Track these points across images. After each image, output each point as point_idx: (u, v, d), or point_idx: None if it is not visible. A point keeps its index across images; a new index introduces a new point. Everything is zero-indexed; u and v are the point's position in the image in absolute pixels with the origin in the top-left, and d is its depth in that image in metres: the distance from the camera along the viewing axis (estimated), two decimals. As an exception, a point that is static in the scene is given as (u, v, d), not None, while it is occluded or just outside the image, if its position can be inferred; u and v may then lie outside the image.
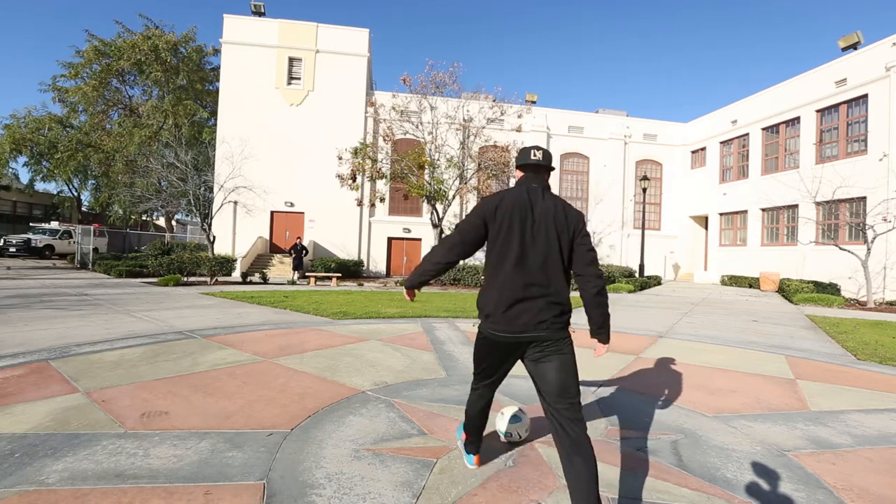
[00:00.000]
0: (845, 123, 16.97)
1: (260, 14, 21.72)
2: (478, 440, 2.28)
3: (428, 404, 3.22)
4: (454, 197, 17.41)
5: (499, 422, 2.61)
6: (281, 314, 7.45)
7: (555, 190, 23.35)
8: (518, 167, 2.10)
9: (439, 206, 17.41)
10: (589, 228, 20.21)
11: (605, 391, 3.68)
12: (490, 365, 2.00)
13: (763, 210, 20.37)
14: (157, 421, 2.72)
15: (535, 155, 2.04)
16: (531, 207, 1.92)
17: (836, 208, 16.12)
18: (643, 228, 20.54)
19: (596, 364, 4.63)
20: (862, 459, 2.56)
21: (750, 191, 20.90)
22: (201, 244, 21.40)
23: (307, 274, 16.39)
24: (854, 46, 17.64)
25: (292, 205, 20.99)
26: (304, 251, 16.96)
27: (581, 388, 3.84)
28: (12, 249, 21.29)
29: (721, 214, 23.27)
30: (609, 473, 2.25)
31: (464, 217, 2.11)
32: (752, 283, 19.54)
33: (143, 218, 35.54)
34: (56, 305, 7.45)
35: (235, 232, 20.37)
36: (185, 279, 13.64)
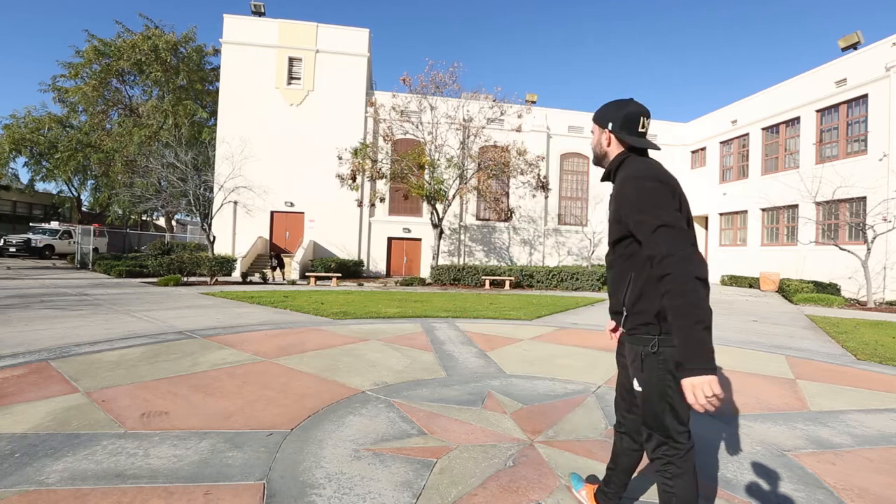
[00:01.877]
0: (845, 123, 16.97)
1: (260, 14, 21.72)
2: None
3: (428, 404, 3.22)
4: (454, 197, 17.42)
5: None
6: (281, 314, 7.45)
7: (555, 190, 23.64)
8: (627, 139, 1.53)
9: (439, 206, 17.42)
10: (588, 228, 20.12)
11: (606, 391, 3.68)
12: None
13: (763, 210, 20.36)
14: (157, 421, 2.72)
15: (644, 126, 1.53)
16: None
17: (836, 208, 16.12)
18: (643, 228, 20.50)
19: (596, 364, 4.63)
20: (862, 459, 2.56)
21: (750, 191, 20.90)
22: (201, 244, 21.42)
23: (307, 274, 16.41)
24: (854, 46, 17.63)
25: (292, 205, 20.99)
26: (280, 260, 17.78)
27: (581, 387, 3.85)
28: (12, 249, 21.30)
29: (721, 214, 23.27)
30: (609, 473, 2.25)
31: (654, 201, 1.32)
32: (752, 283, 19.54)
33: (143, 218, 35.54)
34: (56, 305, 7.45)
35: (235, 232, 20.37)
36: (185, 279, 13.65)
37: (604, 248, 24.01)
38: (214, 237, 17.05)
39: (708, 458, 2.49)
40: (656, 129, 25.95)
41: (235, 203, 18.75)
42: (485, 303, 10.40)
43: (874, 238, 13.10)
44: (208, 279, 13.96)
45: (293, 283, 15.18)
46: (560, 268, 17.85)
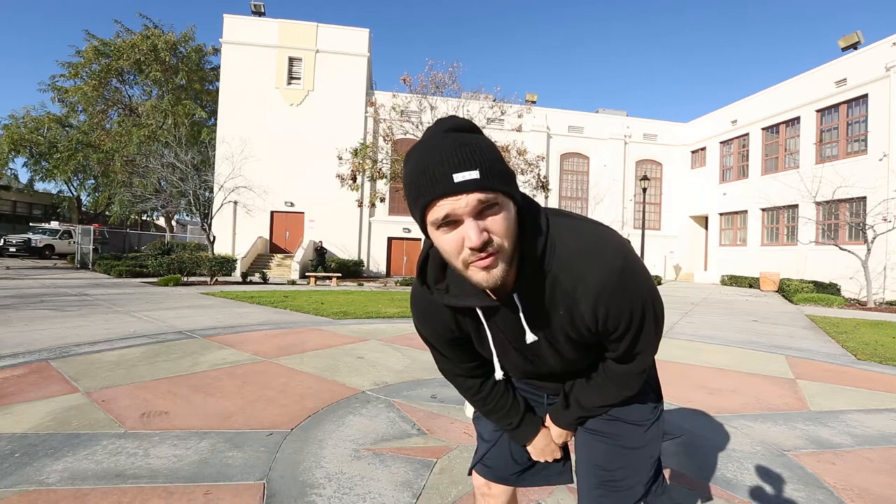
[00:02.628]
0: (845, 123, 16.97)
1: (260, 14, 21.72)
2: None
3: (428, 404, 3.21)
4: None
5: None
6: (281, 314, 7.44)
7: (555, 190, 23.62)
8: None
9: (439, 206, 17.35)
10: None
11: (605, 391, 3.68)
12: None
13: (763, 210, 20.36)
14: (157, 421, 2.72)
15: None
16: None
17: (836, 208, 16.12)
18: (643, 228, 20.53)
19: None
20: (862, 459, 2.56)
21: (750, 191, 20.90)
22: (201, 244, 21.41)
23: (307, 274, 16.42)
24: (854, 46, 17.64)
25: (292, 205, 20.99)
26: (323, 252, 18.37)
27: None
28: (12, 249, 21.28)
29: (721, 214, 23.27)
30: (609, 473, 2.25)
31: None
32: (753, 283, 19.54)
33: (143, 218, 35.53)
34: (56, 305, 7.45)
35: (235, 232, 20.37)
36: (185, 279, 13.64)
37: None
38: (214, 237, 17.04)
39: (708, 458, 2.49)
40: (656, 129, 25.97)
41: (235, 203, 18.74)
42: (485, 303, 10.38)
43: (874, 238, 13.11)
44: (208, 279, 13.96)
45: (293, 283, 15.18)
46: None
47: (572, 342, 0.88)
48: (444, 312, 0.90)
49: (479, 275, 0.72)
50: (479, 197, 0.67)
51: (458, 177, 0.67)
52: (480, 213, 0.69)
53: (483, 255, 0.70)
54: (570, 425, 1.06)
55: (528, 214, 0.78)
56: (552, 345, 0.89)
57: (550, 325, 0.85)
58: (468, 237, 0.68)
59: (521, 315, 0.82)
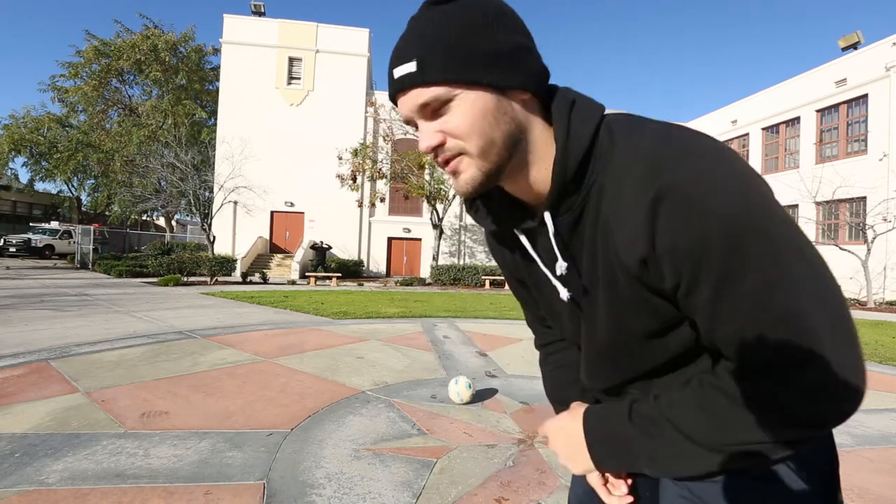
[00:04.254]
0: (845, 123, 16.97)
1: (260, 14, 21.73)
2: None
3: (428, 404, 3.22)
4: (454, 197, 17.40)
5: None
6: (281, 314, 7.45)
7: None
8: None
9: (439, 206, 17.41)
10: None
11: (605, 391, 3.68)
12: None
13: (763, 210, 20.36)
14: (157, 421, 2.72)
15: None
16: None
17: (836, 208, 16.13)
18: (643, 228, 20.54)
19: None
20: (862, 459, 2.56)
21: (750, 191, 20.88)
22: (201, 244, 21.42)
23: (307, 273, 16.42)
24: (854, 46, 17.64)
25: (292, 205, 20.99)
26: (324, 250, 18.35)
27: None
28: (12, 249, 21.29)
29: (721, 214, 23.26)
30: (609, 473, 2.25)
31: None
32: (752, 283, 19.54)
33: (143, 218, 35.55)
34: (56, 305, 7.45)
35: (235, 232, 20.38)
36: (185, 279, 13.64)
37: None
38: (214, 237, 17.06)
39: (708, 458, 2.48)
40: (656, 129, 25.96)
41: (235, 203, 18.76)
42: (485, 303, 10.40)
43: (874, 238, 13.11)
44: (208, 279, 13.96)
45: (293, 283, 15.18)
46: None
47: (617, 293, 0.55)
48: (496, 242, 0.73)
49: (455, 183, 0.58)
50: (416, 92, 0.52)
51: (397, 71, 0.53)
52: (436, 111, 0.53)
53: (441, 160, 0.56)
54: (614, 452, 0.57)
55: (559, 106, 0.56)
56: (592, 295, 0.59)
57: (594, 259, 0.56)
58: (420, 141, 0.56)
59: (552, 237, 0.57)
